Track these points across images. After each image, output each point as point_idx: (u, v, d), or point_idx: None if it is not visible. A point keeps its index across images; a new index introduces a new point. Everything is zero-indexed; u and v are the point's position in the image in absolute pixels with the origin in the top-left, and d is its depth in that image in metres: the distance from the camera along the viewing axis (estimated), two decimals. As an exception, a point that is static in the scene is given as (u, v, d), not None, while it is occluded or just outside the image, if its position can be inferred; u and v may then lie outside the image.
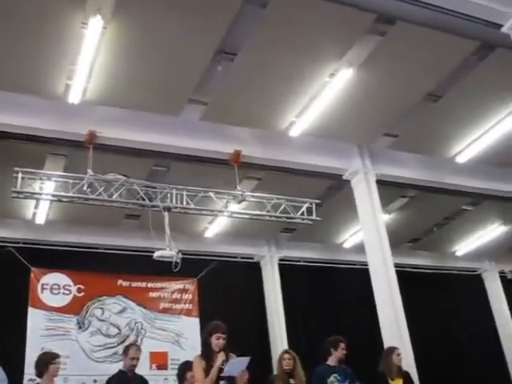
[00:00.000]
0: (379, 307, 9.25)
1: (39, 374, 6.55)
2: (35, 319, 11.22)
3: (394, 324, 8.97)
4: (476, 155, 10.53)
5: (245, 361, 5.35)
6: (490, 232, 14.37)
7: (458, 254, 15.48)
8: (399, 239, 13.24)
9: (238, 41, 7.71)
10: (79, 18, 6.90)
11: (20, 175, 7.93)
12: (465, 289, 15.21)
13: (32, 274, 11.58)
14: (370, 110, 9.16)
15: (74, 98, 8.05)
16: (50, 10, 6.80)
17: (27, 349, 10.61)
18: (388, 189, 10.78)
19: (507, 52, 7.77)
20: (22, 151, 8.93)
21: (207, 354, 5.42)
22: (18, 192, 7.97)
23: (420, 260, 15.18)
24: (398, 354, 8.03)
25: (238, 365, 5.32)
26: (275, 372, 8.34)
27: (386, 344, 8.68)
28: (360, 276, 10.87)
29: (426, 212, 13.06)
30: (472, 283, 15.70)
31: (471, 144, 10.31)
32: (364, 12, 7.15)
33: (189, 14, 7.06)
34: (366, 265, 9.89)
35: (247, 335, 11.15)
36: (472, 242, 14.90)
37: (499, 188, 11.44)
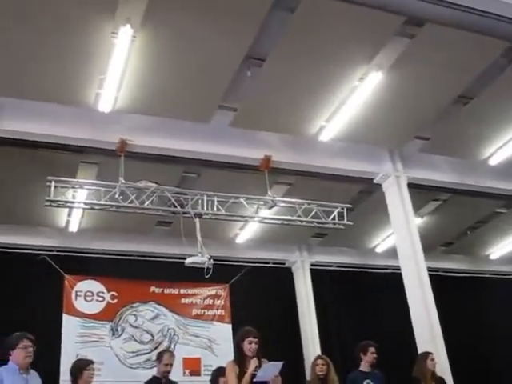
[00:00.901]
0: (412, 312, 9.15)
1: (74, 381, 6.59)
2: (70, 326, 11.39)
3: (427, 329, 8.86)
4: (508, 157, 10.37)
5: (278, 366, 5.32)
6: (525, 235, 14.13)
7: (492, 257, 15.27)
8: (432, 243, 13.09)
9: (267, 46, 7.74)
10: (109, 27, 6.99)
11: (53, 184, 8.02)
12: (500, 292, 14.95)
13: (66, 282, 11.76)
14: (401, 113, 9.09)
15: (105, 106, 8.16)
16: (81, 21, 6.90)
17: (62, 355, 10.79)
18: (420, 192, 10.68)
19: (539, 52, 7.67)
20: (54, 160, 9.07)
21: (240, 359, 5.40)
22: (52, 201, 8.06)
23: (453, 264, 14.99)
24: (432, 359, 7.94)
25: (270, 370, 5.30)
26: (308, 378, 8.30)
27: (420, 349, 8.59)
28: (392, 281, 10.77)
29: (459, 215, 12.90)
30: (507, 287, 15.42)
31: (503, 146, 10.18)
32: (392, 15, 7.11)
33: (217, 22, 7.11)
34: (399, 269, 9.80)
35: (279, 341, 11.11)
36: (506, 244, 14.70)
37: (533, 189, 11.24)
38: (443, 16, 7.02)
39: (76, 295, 11.76)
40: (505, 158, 10.37)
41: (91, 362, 6.84)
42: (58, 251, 11.76)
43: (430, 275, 9.43)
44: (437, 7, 6.74)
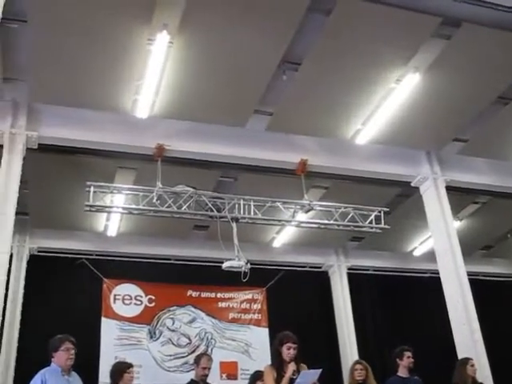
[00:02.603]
0: (452, 316, 9.01)
1: (114, 383, 6.69)
2: (108, 329, 11.54)
3: (467, 334, 8.71)
4: (550, 158, 10.19)
5: (317, 373, 5.30)
6: None
7: (534, 260, 14.97)
8: (471, 246, 12.92)
9: (302, 50, 7.75)
10: (146, 34, 7.09)
11: (92, 189, 8.12)
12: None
13: (105, 285, 11.92)
14: (438, 115, 9.00)
15: (142, 112, 8.28)
16: (118, 28, 7.02)
17: (101, 358, 10.94)
18: (459, 195, 10.53)
19: None
20: (93, 166, 9.21)
21: (278, 363, 5.41)
22: (91, 206, 8.17)
23: (494, 268, 14.74)
24: (472, 365, 7.78)
25: (309, 376, 5.28)
26: (346, 383, 8.24)
27: (460, 355, 8.44)
28: (431, 285, 10.65)
29: (499, 218, 12.69)
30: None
31: (544, 148, 9.99)
32: (429, 16, 7.06)
33: (253, 26, 7.15)
34: (437, 273, 9.66)
35: (316, 345, 11.09)
36: (548, 248, 14.38)
37: None
38: (480, 16, 6.96)
39: (114, 298, 11.91)
40: (545, 159, 10.19)
41: (131, 365, 6.94)
42: (96, 255, 11.95)
43: (469, 279, 9.27)
44: (473, 7, 6.70)
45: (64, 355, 5.71)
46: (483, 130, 9.61)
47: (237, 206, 8.93)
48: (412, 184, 10.05)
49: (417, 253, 13.94)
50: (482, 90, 8.62)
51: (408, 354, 7.48)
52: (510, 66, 8.11)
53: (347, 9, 6.92)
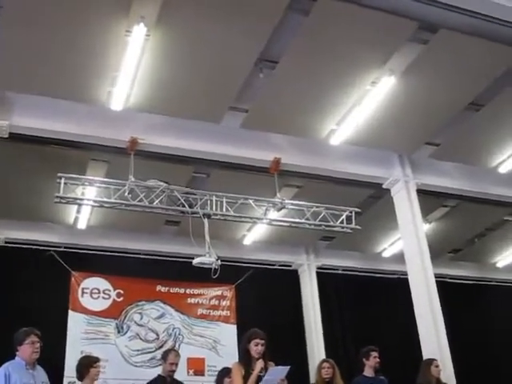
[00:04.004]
0: (418, 318, 9.12)
1: (80, 377, 6.63)
2: (75, 323, 11.40)
3: (433, 335, 8.83)
4: (519, 165, 10.37)
5: (285, 370, 5.31)
6: (533, 243, 14.10)
7: (499, 265, 15.23)
8: (440, 249, 13.06)
9: (280, 48, 7.75)
10: (123, 25, 7.02)
11: (63, 181, 8.02)
12: (506, 300, 14.88)
13: (73, 278, 11.77)
14: (412, 118, 9.09)
15: (117, 104, 8.20)
16: (95, 18, 6.94)
17: (67, 352, 10.81)
18: (429, 198, 10.64)
19: (553, 61, 7.64)
20: (64, 157, 9.10)
21: (246, 360, 5.39)
22: (61, 197, 8.07)
23: (461, 271, 14.95)
24: (437, 366, 7.90)
25: (277, 373, 5.29)
26: (313, 381, 8.28)
27: (425, 355, 8.55)
28: (399, 286, 10.76)
29: (467, 222, 12.88)
30: (513, 295, 15.40)
31: (514, 154, 10.16)
32: (407, 20, 7.10)
33: (231, 23, 7.13)
34: (405, 274, 9.77)
35: (284, 343, 11.07)
36: (514, 253, 14.64)
37: (542, 199, 11.21)
38: (457, 22, 7.00)
39: (82, 292, 11.77)
40: (515, 166, 10.36)
41: (98, 360, 6.89)
42: (65, 248, 11.81)
43: (436, 281, 9.40)
44: (451, 13, 6.73)
45: (29, 349, 5.62)
46: (455, 134, 9.73)
47: (209, 202, 8.91)
48: (384, 186, 10.15)
49: (386, 254, 14.07)
50: (456, 95, 8.72)
51: (374, 354, 7.55)
52: (484, 73, 8.24)
53: (326, 9, 6.93)
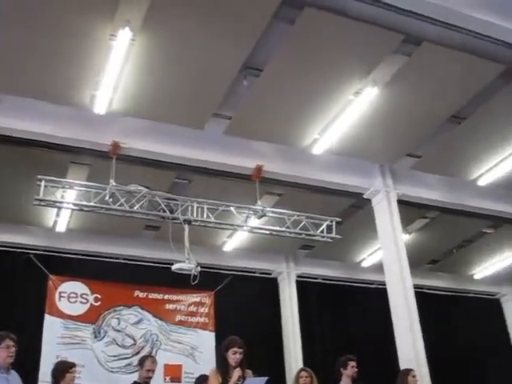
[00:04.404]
0: (396, 327, 9.18)
1: (55, 382, 6.54)
2: (51, 327, 11.28)
3: (410, 345, 8.88)
4: (497, 179, 10.50)
5: (262, 381, 5.29)
6: (510, 256, 14.22)
7: (477, 277, 15.35)
8: (418, 260, 13.13)
9: (265, 56, 7.76)
10: (108, 29, 6.98)
11: (43, 183, 7.97)
12: (482, 312, 15.01)
13: (50, 282, 11.65)
14: (394, 129, 9.15)
15: (100, 108, 8.14)
16: (80, 21, 6.88)
17: (42, 356, 10.69)
18: (409, 209, 10.73)
19: (533, 77, 7.74)
20: (45, 159, 9.01)
21: (224, 368, 5.37)
22: (41, 200, 8.01)
23: (438, 282, 15.05)
24: (414, 376, 7.92)
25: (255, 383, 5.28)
26: (290, 390, 8.28)
27: (402, 365, 8.60)
28: (377, 295, 10.80)
29: (446, 234, 12.97)
30: (490, 307, 15.51)
31: (493, 167, 10.29)
32: (391, 32, 7.15)
33: (217, 29, 7.12)
34: (384, 284, 9.83)
35: (262, 351, 11.08)
36: (491, 265, 14.77)
37: (520, 212, 11.36)
38: (441, 36, 7.08)
39: (60, 296, 11.64)
40: (494, 179, 10.49)
41: (74, 365, 6.82)
42: (44, 251, 11.68)
43: (415, 292, 9.46)
44: (435, 27, 6.81)
45: (4, 353, 5.55)
46: (436, 146, 9.81)
47: (190, 208, 8.90)
48: (364, 196, 10.22)
49: (365, 264, 14.12)
50: (437, 108, 8.80)
51: (352, 363, 7.53)
52: (466, 86, 8.32)
53: (312, 19, 6.95)
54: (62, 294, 11.70)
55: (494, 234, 13.29)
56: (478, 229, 13.12)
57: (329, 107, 8.58)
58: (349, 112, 8.57)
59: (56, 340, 11.16)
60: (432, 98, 8.51)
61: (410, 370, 8.03)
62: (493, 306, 15.67)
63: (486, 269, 14.98)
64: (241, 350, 5.38)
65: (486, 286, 15.57)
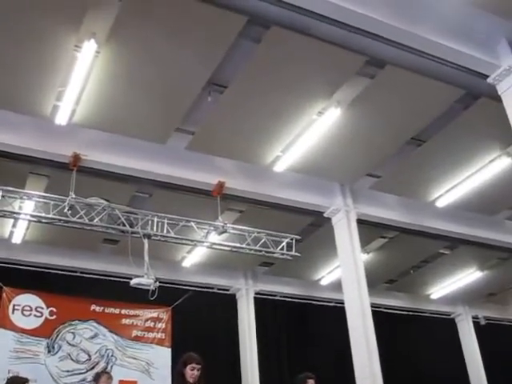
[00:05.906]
0: (353, 345, 9.23)
1: (7, 398, 6.43)
2: (4, 340, 11.01)
3: (367, 363, 8.95)
4: (455, 200, 10.69)
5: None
6: (466, 277, 14.52)
7: (433, 297, 15.56)
8: (376, 279, 13.27)
9: (229, 74, 7.79)
10: (73, 40, 6.92)
11: (0, 193, 7.86)
12: (438, 332, 15.22)
13: (4, 294, 11.38)
14: (355, 149, 9.27)
15: (62, 119, 8.03)
16: (45, 30, 6.81)
17: (-7, 370, 10.42)
18: (368, 228, 10.86)
19: (491, 102, 7.92)
20: (3, 169, 8.83)
21: (181, 385, 5.34)
22: (-3, 210, 7.89)
23: (395, 301, 15.20)
24: None
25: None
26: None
27: (359, 382, 8.65)
28: (335, 313, 10.87)
29: (404, 254, 13.15)
30: (445, 326, 15.74)
31: (451, 189, 10.48)
32: (355, 54, 7.28)
33: (183, 45, 7.12)
34: (342, 303, 9.90)
35: (219, 368, 11.03)
36: (447, 285, 15.02)
37: (476, 234, 11.61)
38: (404, 60, 7.26)
39: (13, 309, 11.38)
40: (452, 200, 10.67)
41: (27, 380, 6.69)
42: (-2, 262, 11.44)
43: (372, 310, 9.55)
44: (398, 51, 6.96)
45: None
46: (396, 167, 9.96)
47: (150, 222, 8.86)
48: (325, 214, 10.31)
49: (324, 282, 14.18)
50: (398, 130, 8.96)
51: (311, 381, 7.49)
52: (426, 109, 8.49)
53: (277, 38, 7.03)
54: (16, 307, 11.44)
55: (450, 255, 13.52)
56: (435, 249, 13.33)
57: (292, 126, 8.64)
58: (311, 131, 8.65)
59: (8, 354, 10.89)
60: (393, 120, 8.67)
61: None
62: (448, 325, 15.89)
63: (442, 288, 15.21)
64: (199, 367, 5.35)
65: (442, 305, 15.80)
